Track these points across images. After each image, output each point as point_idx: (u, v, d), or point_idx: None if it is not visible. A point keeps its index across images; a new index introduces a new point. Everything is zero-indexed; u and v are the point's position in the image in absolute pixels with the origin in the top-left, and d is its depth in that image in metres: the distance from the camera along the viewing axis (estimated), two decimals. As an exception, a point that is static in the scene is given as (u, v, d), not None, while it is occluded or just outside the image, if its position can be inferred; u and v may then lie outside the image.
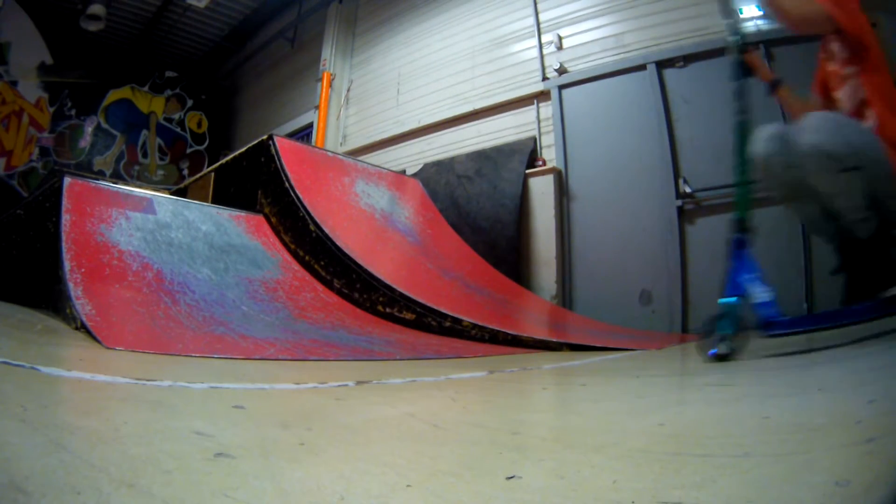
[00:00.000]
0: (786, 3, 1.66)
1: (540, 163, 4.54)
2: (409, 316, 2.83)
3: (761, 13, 3.78)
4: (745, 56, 1.85)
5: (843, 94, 1.69)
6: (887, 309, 1.49)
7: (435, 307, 2.77)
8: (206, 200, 3.72)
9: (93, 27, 7.03)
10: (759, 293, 1.51)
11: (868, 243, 1.54)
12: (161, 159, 8.34)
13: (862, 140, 1.47)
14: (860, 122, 1.59)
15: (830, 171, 1.47)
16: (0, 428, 0.64)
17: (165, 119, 8.45)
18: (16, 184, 7.00)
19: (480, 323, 2.68)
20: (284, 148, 3.49)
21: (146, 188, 5.01)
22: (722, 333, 1.51)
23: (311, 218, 3.13)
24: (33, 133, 7.22)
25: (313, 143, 6.31)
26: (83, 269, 2.11)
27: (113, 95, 7.97)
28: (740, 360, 1.50)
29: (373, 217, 3.71)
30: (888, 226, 1.54)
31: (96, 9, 6.86)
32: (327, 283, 3.01)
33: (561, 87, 4.58)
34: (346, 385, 1.29)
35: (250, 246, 3.00)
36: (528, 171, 4.50)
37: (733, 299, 1.51)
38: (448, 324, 2.71)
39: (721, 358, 1.52)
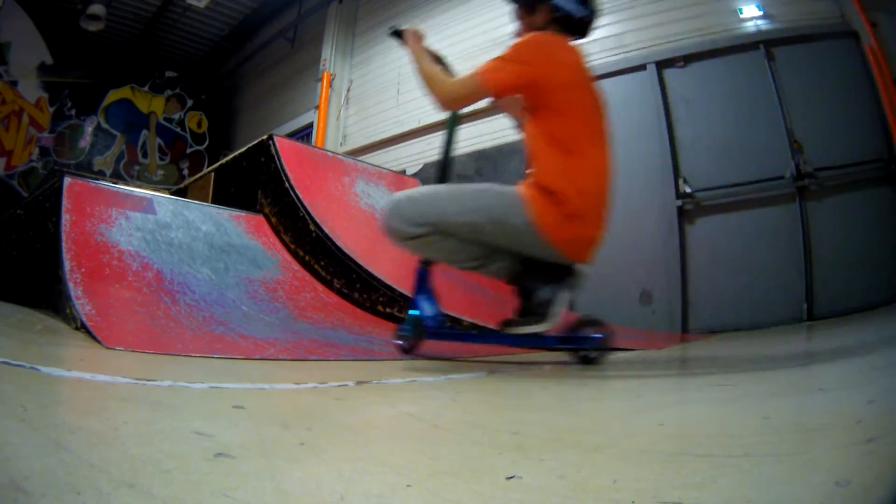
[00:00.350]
0: (441, 89, 1.71)
1: (540, 163, 4.53)
2: (409, 316, 2.83)
3: (761, 13, 3.79)
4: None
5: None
6: (518, 342, 1.80)
7: (435, 307, 2.77)
8: (206, 200, 3.72)
9: (93, 27, 7.03)
10: (427, 309, 1.93)
11: (513, 283, 1.76)
12: (161, 159, 8.34)
13: (418, 212, 1.66)
14: (441, 191, 1.74)
15: (399, 240, 1.71)
16: (0, 428, 0.64)
17: (165, 119, 8.45)
18: (16, 184, 7.00)
19: (480, 323, 2.68)
20: (284, 148, 3.49)
21: (146, 188, 5.00)
22: (404, 334, 1.98)
23: (311, 218, 3.13)
24: (33, 133, 7.22)
25: (313, 143, 6.30)
26: (83, 269, 2.11)
27: (113, 95, 7.97)
28: (419, 354, 1.98)
29: (373, 217, 3.71)
30: (528, 269, 1.70)
31: (96, 9, 6.85)
32: (327, 283, 3.01)
33: (561, 87, 4.58)
34: (346, 385, 1.29)
35: (250, 246, 3.00)
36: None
37: (415, 311, 1.95)
38: (448, 324, 2.71)
39: (405, 350, 1.97)
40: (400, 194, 1.77)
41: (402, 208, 1.69)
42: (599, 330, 1.70)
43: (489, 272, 1.77)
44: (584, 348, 1.72)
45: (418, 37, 1.85)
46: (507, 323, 1.70)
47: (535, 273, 1.69)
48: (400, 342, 1.98)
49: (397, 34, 1.91)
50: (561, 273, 1.69)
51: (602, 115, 1.72)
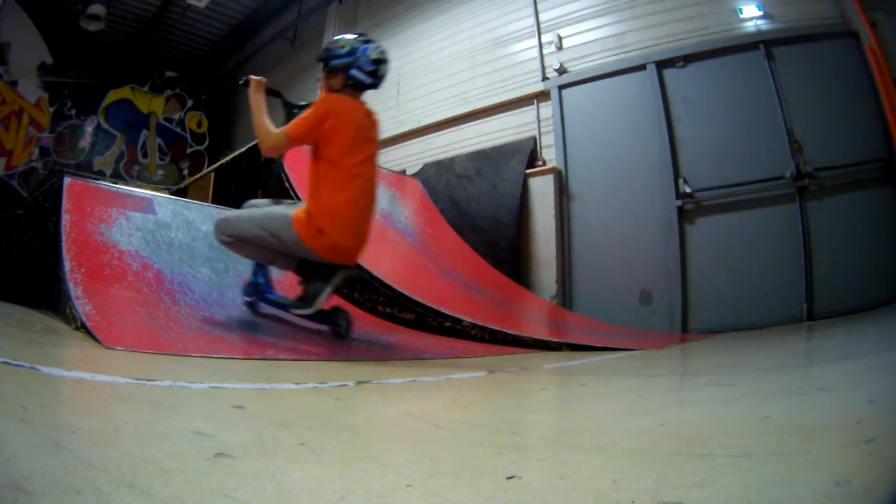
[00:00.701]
0: (263, 140, 2.22)
1: (540, 163, 4.53)
2: (409, 316, 2.83)
3: (761, 13, 3.79)
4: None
5: None
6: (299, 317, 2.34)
7: (435, 307, 2.77)
8: (206, 200, 3.72)
9: (93, 27, 7.02)
10: (261, 279, 2.45)
11: (297, 276, 2.32)
12: (161, 159, 8.33)
13: (228, 227, 2.25)
14: (242, 213, 2.33)
15: (220, 244, 2.33)
16: (0, 428, 0.64)
17: (165, 119, 8.45)
18: (16, 184, 6.99)
19: (480, 323, 2.68)
20: (284, 148, 3.48)
21: (146, 188, 5.00)
22: (247, 294, 2.46)
23: (311, 218, 3.12)
24: (33, 133, 7.21)
25: (313, 143, 6.29)
26: (83, 269, 2.11)
27: (113, 95, 7.97)
28: (259, 311, 2.47)
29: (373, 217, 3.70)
30: (304, 268, 2.25)
31: (96, 9, 6.85)
32: (327, 283, 3.01)
33: (561, 87, 4.58)
34: (346, 385, 1.29)
35: (250, 246, 3.00)
36: (528, 171, 4.50)
37: (254, 279, 2.45)
38: (448, 324, 2.71)
39: (249, 305, 2.46)
40: (223, 214, 2.46)
41: (219, 224, 2.30)
42: (345, 315, 2.36)
43: (280, 267, 2.32)
44: (334, 325, 2.33)
45: (260, 86, 2.34)
46: (293, 304, 2.28)
47: (309, 271, 2.24)
48: (247, 298, 2.48)
49: (245, 84, 2.36)
50: (328, 272, 2.19)
51: (365, 161, 2.29)
